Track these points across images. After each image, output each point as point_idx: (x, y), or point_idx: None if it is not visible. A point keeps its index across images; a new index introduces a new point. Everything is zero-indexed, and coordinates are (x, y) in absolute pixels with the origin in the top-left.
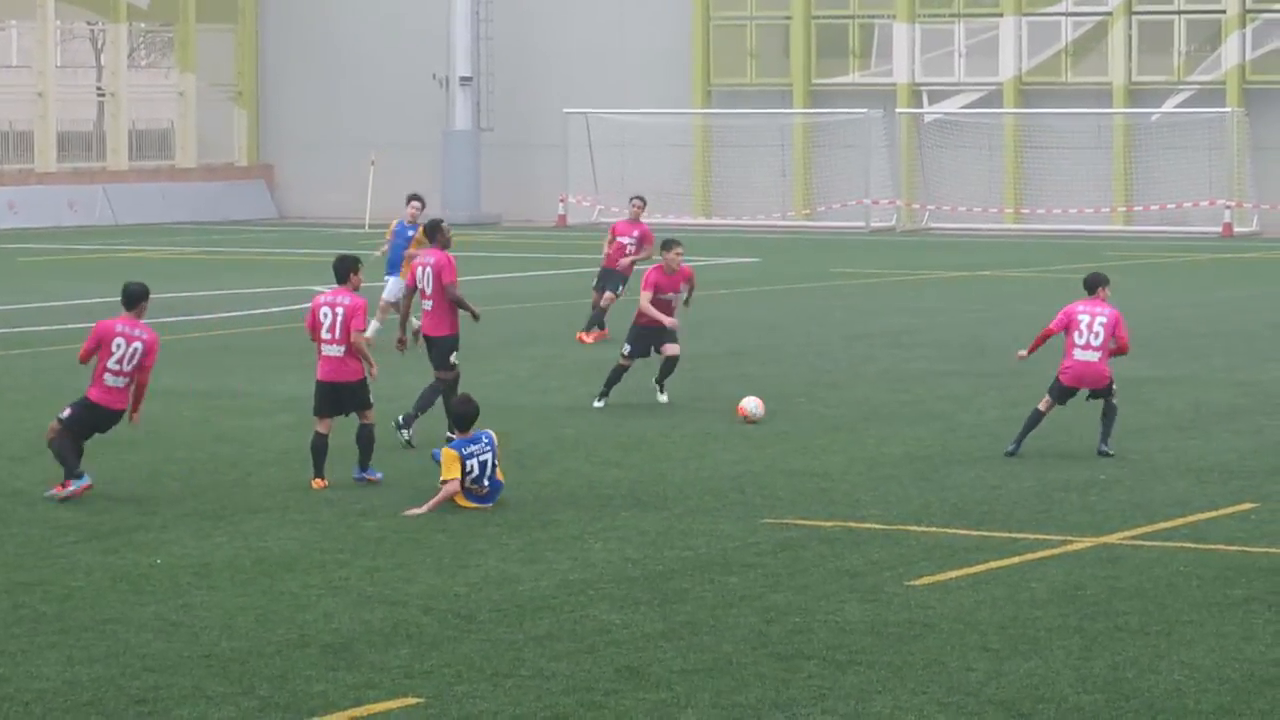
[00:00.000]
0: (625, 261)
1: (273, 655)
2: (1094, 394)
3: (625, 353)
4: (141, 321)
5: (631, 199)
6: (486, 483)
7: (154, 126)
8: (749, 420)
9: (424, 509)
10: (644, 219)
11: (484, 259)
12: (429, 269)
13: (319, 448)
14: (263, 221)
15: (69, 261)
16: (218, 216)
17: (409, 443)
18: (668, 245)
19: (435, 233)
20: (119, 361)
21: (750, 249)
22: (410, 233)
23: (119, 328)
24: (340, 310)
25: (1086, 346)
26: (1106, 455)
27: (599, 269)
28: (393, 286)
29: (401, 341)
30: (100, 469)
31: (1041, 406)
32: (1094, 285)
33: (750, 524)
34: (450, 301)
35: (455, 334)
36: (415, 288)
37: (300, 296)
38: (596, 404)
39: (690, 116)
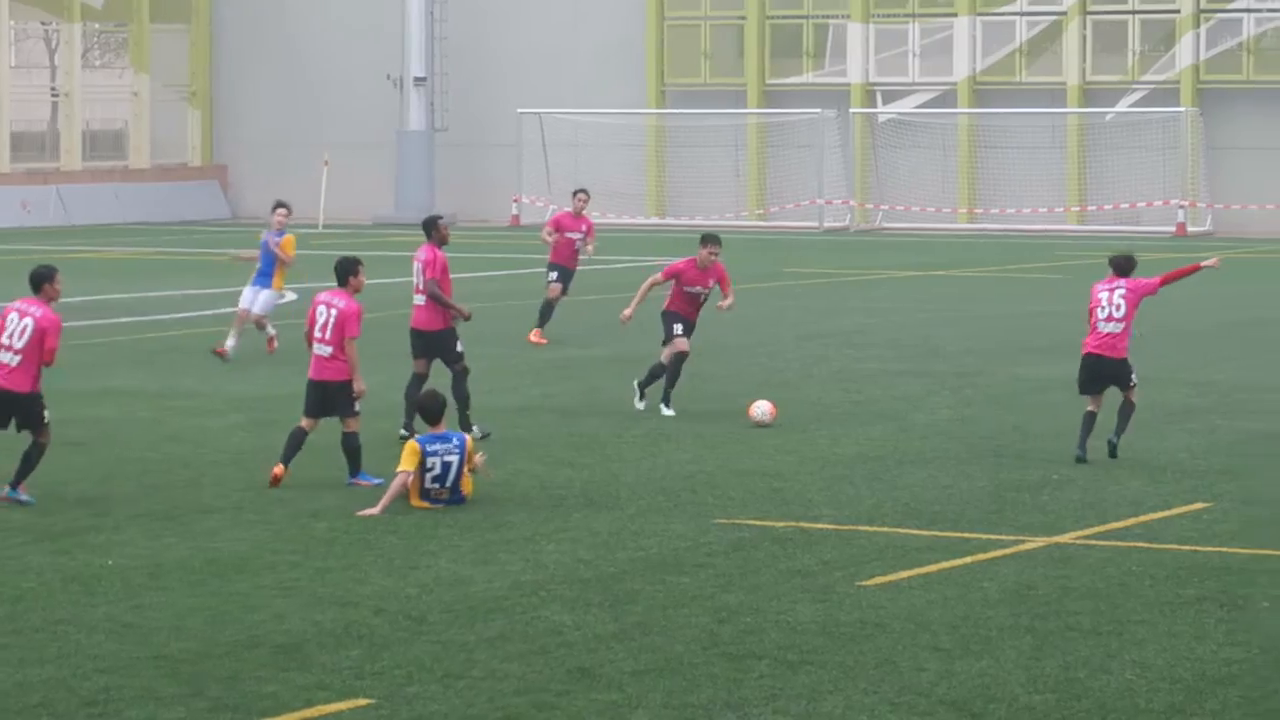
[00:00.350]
0: (591, 247)
1: (223, 656)
2: (1116, 384)
3: (679, 332)
4: (44, 303)
5: (575, 192)
6: (448, 486)
7: (108, 127)
8: (763, 420)
9: (376, 509)
10: (595, 217)
11: None
12: (419, 264)
13: (295, 438)
14: (216, 222)
15: (21, 262)
16: (171, 217)
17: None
18: (704, 241)
19: (431, 229)
20: (9, 336)
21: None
22: (276, 240)
23: (15, 305)
24: (334, 312)
25: (1109, 319)
26: (1112, 446)
27: (549, 262)
28: (256, 297)
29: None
30: (52, 470)
31: (1089, 406)
32: (1128, 269)
33: (702, 524)
34: (430, 297)
35: (449, 327)
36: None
37: None
38: (666, 410)
39: (644, 116)
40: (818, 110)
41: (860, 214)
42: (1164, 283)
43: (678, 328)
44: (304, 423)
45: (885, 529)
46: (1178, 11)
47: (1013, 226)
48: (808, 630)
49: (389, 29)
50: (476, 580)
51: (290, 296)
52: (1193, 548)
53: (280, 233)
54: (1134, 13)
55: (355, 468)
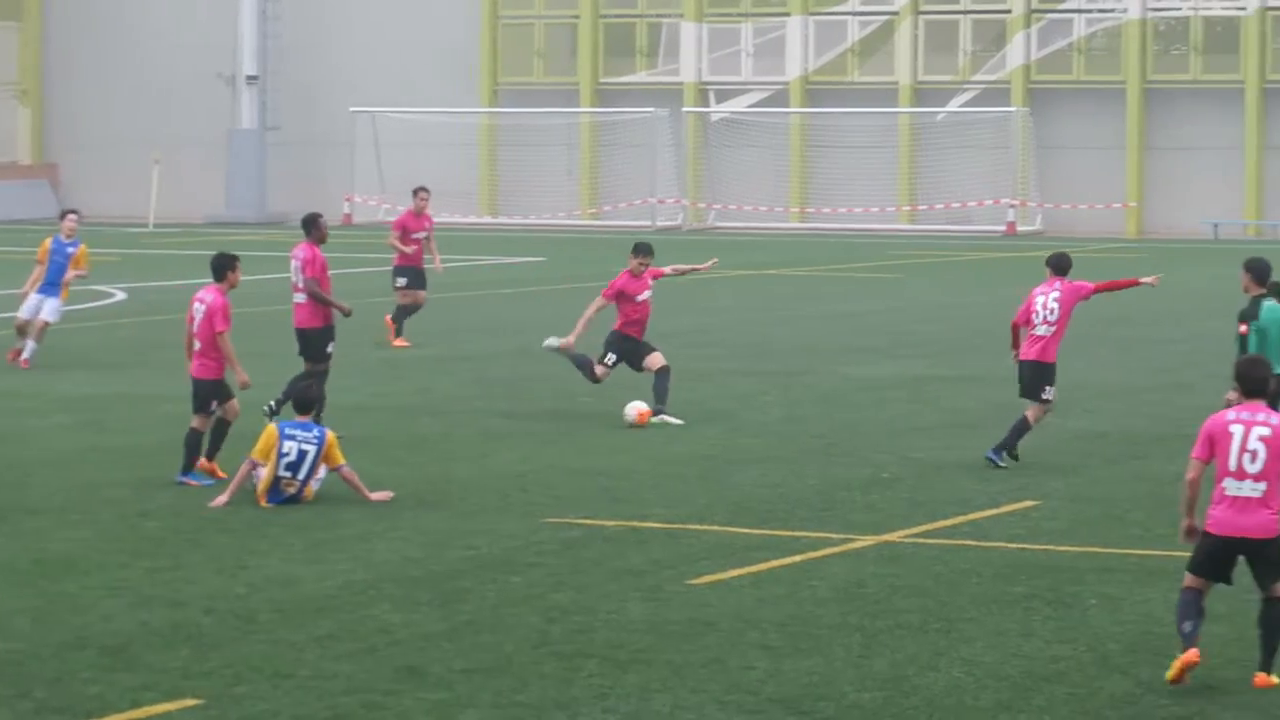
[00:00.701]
0: (439, 266)
1: (50, 657)
2: (1030, 390)
3: (609, 362)
4: None
5: (417, 191)
6: (300, 478)
7: None
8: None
9: (224, 497)
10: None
11: (268, 259)
12: (298, 262)
13: (190, 442)
14: (47, 221)
15: None
16: (1, 216)
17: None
18: (637, 250)
19: (310, 227)
20: None
21: (536, 248)
22: (70, 249)
23: None
24: (204, 308)
25: (1044, 322)
26: (993, 463)
27: (396, 266)
28: (42, 305)
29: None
30: None
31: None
32: (1064, 267)
33: (533, 523)
34: (310, 296)
35: (328, 325)
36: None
37: (84, 296)
38: (674, 420)
39: (477, 115)
40: (651, 109)
41: (693, 213)
42: (1098, 290)
43: (611, 358)
44: (194, 420)
45: (715, 527)
46: (1009, 11)
47: (845, 226)
48: (637, 629)
49: (222, 27)
50: (306, 579)
51: (119, 296)
52: (1021, 546)
53: (74, 242)
54: (965, 12)
55: (188, 466)
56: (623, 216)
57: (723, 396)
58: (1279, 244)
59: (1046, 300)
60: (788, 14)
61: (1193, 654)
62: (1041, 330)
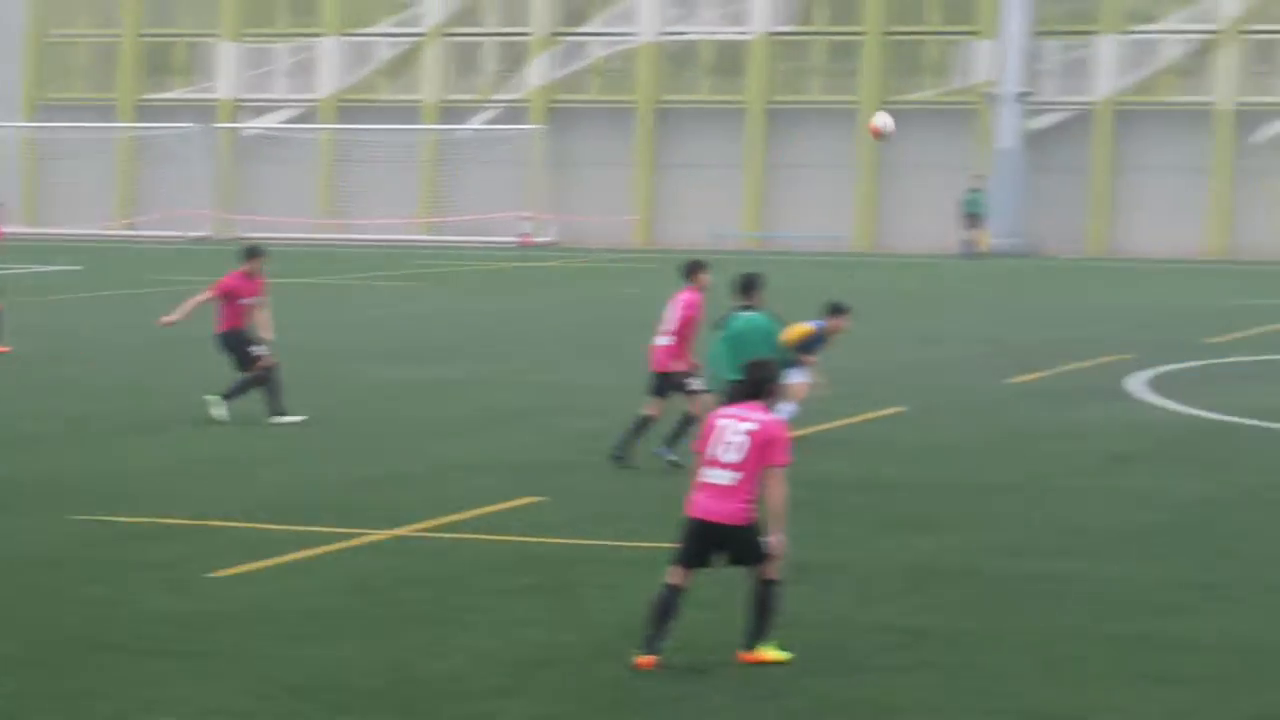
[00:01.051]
0: None
1: None
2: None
3: (258, 351)
4: None
5: None
6: None
7: None
8: (882, 132)
9: None
10: None
11: None
12: None
13: None
14: None
15: None
16: None
17: None
18: (251, 254)
19: None
20: None
21: (72, 257)
22: None
23: None
24: None
25: (664, 332)
26: (670, 460)
27: None
28: None
29: None
30: None
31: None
32: (691, 272)
33: (57, 519)
34: None
35: None
36: None
37: None
38: (289, 419)
39: (17, 130)
40: (188, 124)
41: (222, 224)
42: (678, 337)
43: (255, 349)
44: None
45: (238, 524)
46: (531, 34)
47: (371, 237)
48: (159, 621)
49: None
50: None
51: None
52: (526, 538)
53: None
54: (490, 34)
55: None
56: (156, 227)
57: (249, 399)
58: (777, 255)
59: (670, 307)
60: (321, 34)
61: (649, 661)
62: (661, 340)
